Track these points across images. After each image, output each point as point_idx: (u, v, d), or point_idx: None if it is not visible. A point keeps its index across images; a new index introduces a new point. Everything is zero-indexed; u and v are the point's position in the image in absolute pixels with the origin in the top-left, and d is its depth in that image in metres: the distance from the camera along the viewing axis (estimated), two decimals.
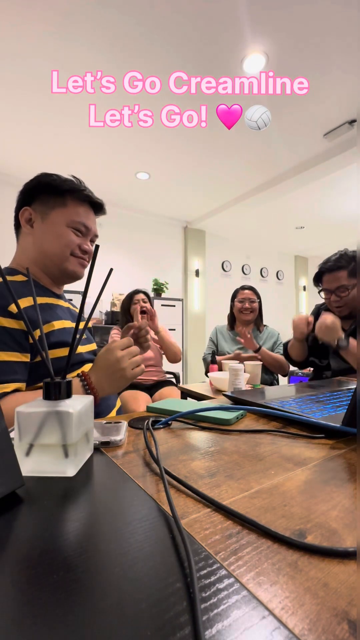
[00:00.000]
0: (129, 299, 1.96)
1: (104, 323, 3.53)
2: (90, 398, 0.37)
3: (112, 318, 3.47)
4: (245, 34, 1.67)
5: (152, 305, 1.97)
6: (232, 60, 1.82)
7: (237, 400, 0.65)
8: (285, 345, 1.57)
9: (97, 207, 0.79)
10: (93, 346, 0.86)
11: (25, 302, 0.64)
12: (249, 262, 5.25)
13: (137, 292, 1.99)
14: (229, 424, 0.50)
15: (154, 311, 1.81)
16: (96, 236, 0.80)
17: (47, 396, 0.34)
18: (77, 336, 0.41)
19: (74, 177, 0.76)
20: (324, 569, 0.20)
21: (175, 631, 0.15)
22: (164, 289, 3.93)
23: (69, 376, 0.68)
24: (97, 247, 0.45)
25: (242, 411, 0.54)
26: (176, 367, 2.81)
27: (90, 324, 0.92)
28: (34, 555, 0.21)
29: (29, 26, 1.62)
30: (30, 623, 0.16)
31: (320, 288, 1.38)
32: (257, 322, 1.93)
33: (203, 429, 0.48)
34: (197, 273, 4.47)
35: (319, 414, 0.52)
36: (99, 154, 2.77)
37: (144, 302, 1.94)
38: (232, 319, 1.97)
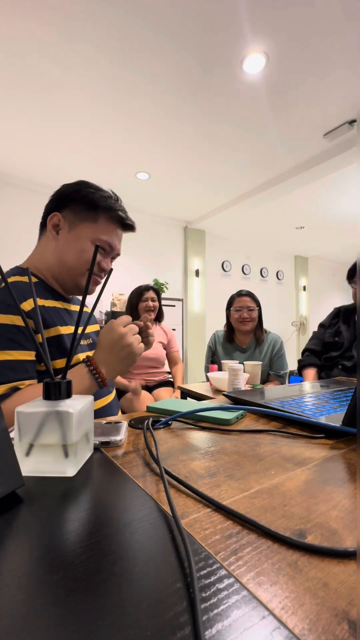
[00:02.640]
0: (138, 296, 1.91)
1: (104, 323, 3.54)
2: (90, 398, 0.37)
3: (112, 318, 3.48)
4: (245, 34, 1.67)
5: (160, 303, 1.96)
6: (232, 60, 1.82)
7: (237, 400, 0.65)
8: (302, 367, 1.54)
9: (127, 226, 0.78)
10: None
11: (32, 303, 0.64)
12: (249, 262, 5.25)
13: (147, 288, 1.92)
14: (229, 424, 0.50)
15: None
16: (118, 254, 0.78)
17: (47, 396, 0.34)
18: (79, 337, 0.41)
19: (112, 192, 0.75)
20: (324, 569, 0.20)
21: (175, 631, 0.15)
22: (164, 289, 3.93)
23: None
24: (97, 247, 0.45)
25: (242, 411, 0.54)
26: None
27: (96, 328, 0.93)
28: (34, 555, 0.21)
29: (29, 25, 1.62)
30: (31, 623, 0.16)
31: (353, 281, 1.41)
32: (257, 332, 1.72)
33: (203, 429, 0.48)
34: (197, 273, 4.47)
35: (319, 414, 0.52)
36: (99, 154, 2.77)
37: (153, 300, 1.92)
38: (230, 329, 1.78)
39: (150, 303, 1.91)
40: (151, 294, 1.92)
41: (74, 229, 0.71)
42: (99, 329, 0.91)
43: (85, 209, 0.71)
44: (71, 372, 0.61)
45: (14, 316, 0.60)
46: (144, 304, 1.90)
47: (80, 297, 0.86)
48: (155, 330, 1.99)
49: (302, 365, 1.55)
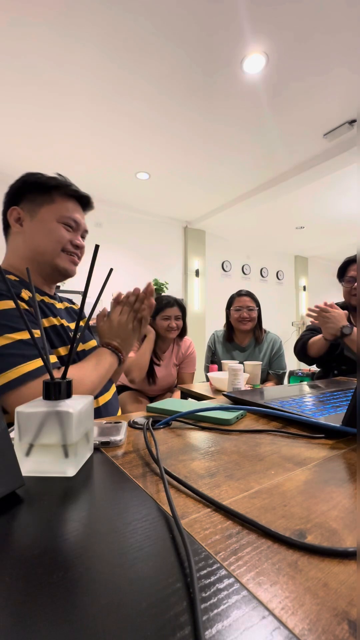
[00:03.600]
0: (157, 311, 1.59)
1: None
2: (90, 398, 0.37)
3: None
4: (245, 34, 1.67)
5: (184, 319, 1.65)
6: (232, 60, 1.82)
7: (237, 400, 0.65)
8: (306, 341, 1.45)
9: (84, 203, 0.80)
10: (94, 343, 0.87)
11: (27, 295, 0.67)
12: (249, 262, 5.25)
13: (171, 303, 1.58)
14: (229, 424, 0.50)
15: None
16: (86, 231, 0.80)
17: (47, 396, 0.34)
18: (77, 336, 0.41)
19: (58, 174, 0.77)
20: (324, 569, 0.20)
21: (175, 631, 0.15)
22: (164, 289, 3.93)
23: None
24: (97, 247, 0.45)
25: (242, 411, 0.54)
26: None
27: (90, 323, 0.94)
28: (34, 555, 0.21)
29: (28, 25, 1.62)
30: (31, 623, 0.16)
31: (343, 279, 1.43)
32: (256, 332, 1.73)
33: (203, 429, 0.48)
34: (197, 273, 4.47)
35: (319, 414, 0.52)
36: (99, 154, 2.77)
37: (177, 318, 1.60)
38: (230, 329, 1.78)
39: (174, 323, 1.57)
40: (175, 310, 1.57)
41: (35, 216, 0.73)
42: (96, 344, 0.90)
43: (39, 194, 0.73)
44: (91, 356, 0.69)
45: (20, 302, 0.63)
46: (165, 322, 1.56)
47: (61, 285, 0.89)
48: (172, 350, 1.74)
49: (306, 339, 1.46)
